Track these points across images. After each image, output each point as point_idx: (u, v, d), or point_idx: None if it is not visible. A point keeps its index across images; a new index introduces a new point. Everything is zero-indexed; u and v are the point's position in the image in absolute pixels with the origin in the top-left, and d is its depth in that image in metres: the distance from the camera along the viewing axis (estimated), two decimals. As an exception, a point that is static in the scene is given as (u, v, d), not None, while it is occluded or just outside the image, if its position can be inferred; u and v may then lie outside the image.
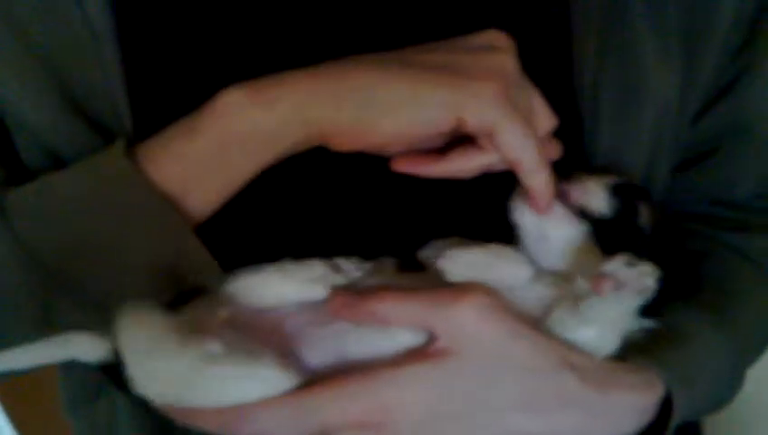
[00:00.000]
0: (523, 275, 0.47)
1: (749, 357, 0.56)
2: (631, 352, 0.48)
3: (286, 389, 0.44)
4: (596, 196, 0.49)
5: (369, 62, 0.45)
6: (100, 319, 0.44)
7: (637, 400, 0.47)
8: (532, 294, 0.47)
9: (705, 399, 0.51)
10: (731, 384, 0.53)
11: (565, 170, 0.49)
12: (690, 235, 0.58)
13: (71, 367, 0.50)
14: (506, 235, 0.50)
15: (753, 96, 0.56)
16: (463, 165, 0.47)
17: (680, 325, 0.50)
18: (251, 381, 0.43)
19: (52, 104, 0.48)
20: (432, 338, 0.45)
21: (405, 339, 0.45)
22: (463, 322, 0.44)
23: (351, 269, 0.49)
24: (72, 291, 0.46)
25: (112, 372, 0.47)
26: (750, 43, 0.54)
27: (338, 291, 0.47)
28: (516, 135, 0.44)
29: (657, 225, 0.50)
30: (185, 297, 0.47)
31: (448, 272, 0.47)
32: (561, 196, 0.49)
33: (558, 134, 0.52)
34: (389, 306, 0.45)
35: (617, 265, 0.45)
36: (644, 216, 0.49)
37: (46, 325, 0.46)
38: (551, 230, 0.49)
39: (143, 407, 0.45)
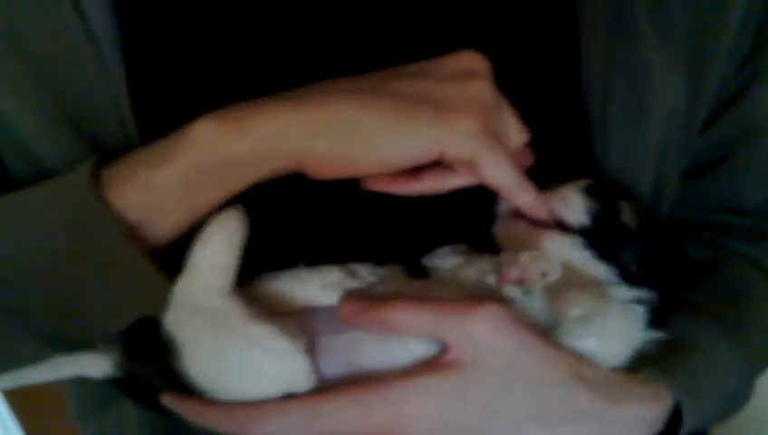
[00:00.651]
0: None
1: (759, 367, 0.56)
2: (640, 363, 0.48)
3: (302, 387, 0.45)
4: (574, 202, 0.49)
5: (346, 93, 0.44)
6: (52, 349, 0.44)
7: (646, 412, 0.47)
8: (533, 306, 0.48)
9: (714, 409, 0.51)
10: (740, 394, 0.53)
11: (539, 182, 0.49)
12: (700, 243, 0.58)
13: (79, 379, 0.50)
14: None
15: (763, 102, 0.56)
16: (436, 186, 0.47)
17: (689, 336, 0.50)
18: (276, 358, 0.44)
19: (45, 117, 0.46)
20: (445, 349, 0.45)
21: (418, 349, 0.46)
22: (476, 333, 0.44)
23: (366, 274, 0.50)
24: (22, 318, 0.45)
25: (120, 384, 0.48)
26: (758, 50, 0.54)
27: (350, 297, 0.47)
28: (497, 165, 0.45)
29: (644, 221, 0.50)
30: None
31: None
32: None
33: (567, 141, 0.53)
34: (402, 315, 0.45)
35: (523, 259, 0.46)
36: (627, 213, 0.49)
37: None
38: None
39: (151, 416, 0.45)
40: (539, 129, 0.52)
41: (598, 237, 0.49)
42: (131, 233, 0.43)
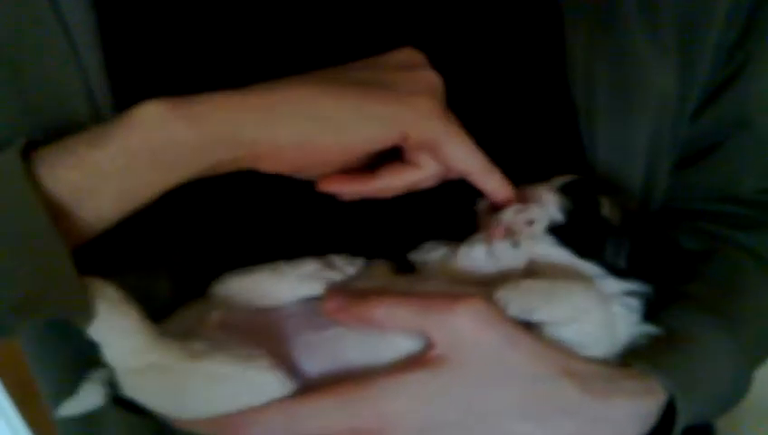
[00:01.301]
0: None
1: (756, 359, 0.55)
2: (633, 357, 0.47)
3: (279, 395, 0.43)
4: (547, 200, 0.48)
5: (303, 80, 0.44)
6: None
7: (638, 406, 0.46)
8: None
9: (710, 402, 0.50)
10: (737, 387, 0.52)
11: (515, 182, 0.49)
12: (694, 233, 0.57)
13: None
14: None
15: (754, 90, 0.55)
16: (393, 182, 0.47)
17: (683, 328, 0.49)
18: (239, 384, 0.43)
19: (10, 108, 0.45)
20: (429, 345, 0.44)
21: (403, 345, 0.45)
22: (460, 329, 0.43)
23: (344, 265, 0.49)
24: None
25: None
26: (748, 37, 0.54)
27: (334, 292, 0.46)
28: (460, 146, 0.45)
29: (629, 215, 0.49)
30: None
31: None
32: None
33: (556, 134, 0.52)
34: (385, 311, 0.44)
35: (506, 213, 0.47)
36: (607, 208, 0.49)
37: None
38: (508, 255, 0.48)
39: (136, 419, 0.45)
40: (528, 121, 0.52)
41: (576, 234, 0.48)
42: (57, 212, 0.41)
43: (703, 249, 0.56)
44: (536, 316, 0.45)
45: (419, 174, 0.47)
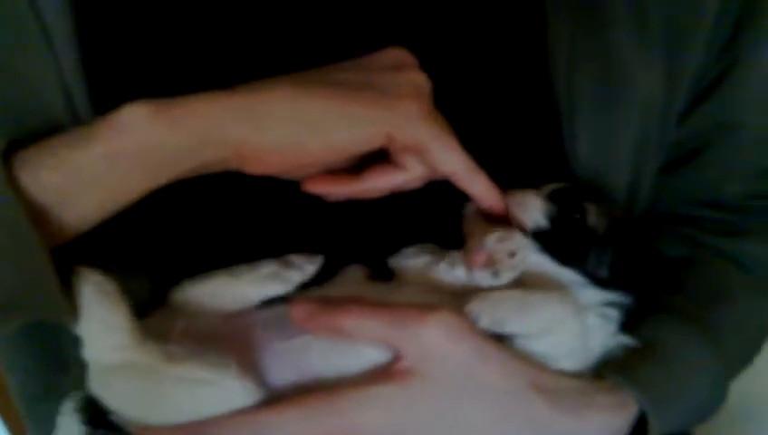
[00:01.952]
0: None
1: (734, 369, 0.54)
2: (607, 369, 0.47)
3: (246, 403, 0.43)
4: (532, 205, 0.48)
5: (288, 81, 0.43)
6: None
7: (609, 421, 0.45)
8: None
9: (686, 413, 0.49)
10: (714, 397, 0.51)
11: (500, 183, 0.48)
12: (677, 239, 0.56)
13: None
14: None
15: (741, 93, 0.54)
16: (377, 184, 0.47)
17: (661, 339, 0.49)
18: (208, 390, 0.42)
19: None
20: (397, 356, 0.43)
21: (371, 356, 0.44)
22: (429, 342, 0.43)
23: (304, 263, 0.48)
24: None
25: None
26: (736, 39, 0.52)
27: (302, 300, 0.45)
28: (446, 149, 0.45)
29: (614, 223, 0.48)
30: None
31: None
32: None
33: (539, 130, 0.51)
34: (354, 321, 0.44)
35: (489, 241, 0.46)
36: (593, 215, 0.48)
37: None
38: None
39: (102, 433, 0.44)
40: (512, 121, 0.51)
41: (559, 242, 0.47)
42: (38, 214, 0.40)
43: (685, 256, 0.55)
44: (507, 328, 0.44)
45: (405, 176, 0.46)
